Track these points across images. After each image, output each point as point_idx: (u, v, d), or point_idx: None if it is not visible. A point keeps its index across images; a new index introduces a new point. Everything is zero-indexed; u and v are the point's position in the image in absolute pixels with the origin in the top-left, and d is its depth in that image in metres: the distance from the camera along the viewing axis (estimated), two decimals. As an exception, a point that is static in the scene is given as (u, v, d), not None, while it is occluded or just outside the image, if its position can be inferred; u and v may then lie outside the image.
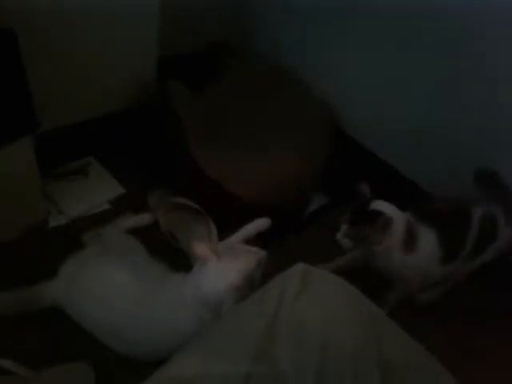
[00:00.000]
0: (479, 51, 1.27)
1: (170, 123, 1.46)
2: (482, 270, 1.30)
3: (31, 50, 1.04)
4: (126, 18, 1.34)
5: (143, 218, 1.37)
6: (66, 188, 1.43)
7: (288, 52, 1.75)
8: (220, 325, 0.89)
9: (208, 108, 1.57)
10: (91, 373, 1.02)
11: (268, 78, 1.67)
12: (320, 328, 0.85)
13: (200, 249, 1.02)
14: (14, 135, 1.10)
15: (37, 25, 1.16)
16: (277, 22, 1.75)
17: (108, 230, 1.30)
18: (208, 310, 0.98)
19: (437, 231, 1.16)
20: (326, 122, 1.63)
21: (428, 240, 1.16)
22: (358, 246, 1.17)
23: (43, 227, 1.35)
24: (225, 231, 1.28)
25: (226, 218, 1.33)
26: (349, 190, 1.19)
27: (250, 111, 1.57)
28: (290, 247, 1.45)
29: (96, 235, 1.29)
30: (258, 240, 1.23)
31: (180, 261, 1.26)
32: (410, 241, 1.14)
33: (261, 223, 1.20)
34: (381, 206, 1.12)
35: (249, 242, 1.20)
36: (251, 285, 0.96)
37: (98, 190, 1.46)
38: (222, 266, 1.00)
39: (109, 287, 1.07)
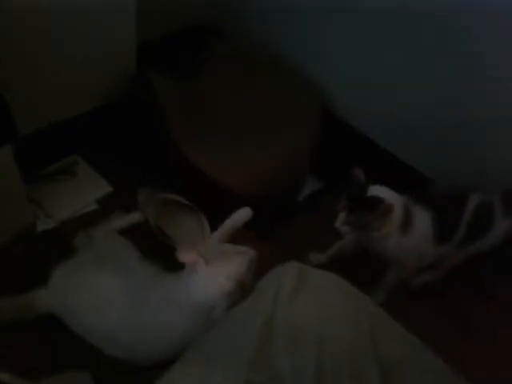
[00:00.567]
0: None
1: (153, 115, 1.42)
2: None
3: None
4: (102, 7, 1.27)
5: (134, 217, 1.34)
6: (53, 190, 1.40)
7: (278, 37, 1.67)
8: (216, 331, 0.88)
9: (193, 97, 1.52)
10: (90, 380, 1.02)
11: (256, 64, 1.62)
12: (317, 326, 0.85)
13: (185, 256, 1.00)
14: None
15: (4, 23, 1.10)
16: (267, 6, 1.67)
17: (98, 231, 1.27)
18: (201, 314, 0.96)
19: (432, 212, 1.16)
20: (315, 107, 1.59)
21: (423, 220, 1.16)
22: (357, 232, 1.16)
23: (32, 232, 1.33)
24: (218, 225, 1.26)
25: (217, 210, 1.32)
26: (342, 174, 1.17)
27: (238, 99, 1.53)
28: (283, 235, 1.44)
29: (86, 237, 1.27)
30: (249, 231, 1.21)
31: (172, 258, 1.24)
32: (406, 223, 1.14)
33: (242, 215, 1.15)
34: (379, 191, 1.11)
35: (241, 233, 1.17)
36: (243, 287, 0.94)
37: (85, 189, 1.43)
38: (211, 270, 0.98)
39: (102, 295, 1.05)
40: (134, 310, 1.03)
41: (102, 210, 1.41)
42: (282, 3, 1.62)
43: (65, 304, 1.08)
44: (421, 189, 1.33)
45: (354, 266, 1.34)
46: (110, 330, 1.03)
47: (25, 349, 1.09)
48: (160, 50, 1.56)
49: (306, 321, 0.85)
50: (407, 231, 1.15)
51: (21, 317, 1.10)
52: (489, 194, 1.23)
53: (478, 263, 1.31)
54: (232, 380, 0.78)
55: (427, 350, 0.88)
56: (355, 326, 0.86)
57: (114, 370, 1.06)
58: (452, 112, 1.37)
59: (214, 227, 1.29)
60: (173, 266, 1.12)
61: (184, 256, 0.99)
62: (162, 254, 1.21)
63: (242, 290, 0.93)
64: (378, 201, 1.08)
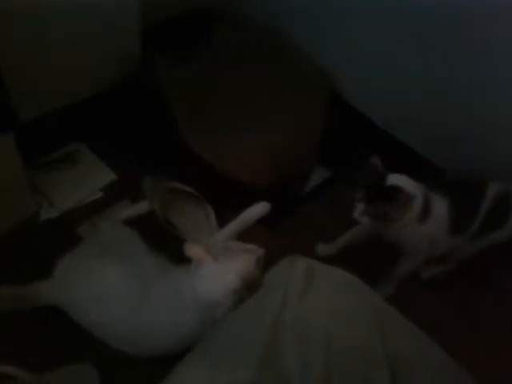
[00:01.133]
0: None
1: (157, 100, 1.39)
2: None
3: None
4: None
5: (142, 207, 1.30)
6: (56, 179, 1.37)
7: (285, 22, 1.62)
8: (223, 330, 0.86)
9: (197, 81, 1.48)
10: (95, 373, 1.01)
11: (262, 49, 1.57)
12: (326, 323, 0.84)
13: (192, 250, 0.97)
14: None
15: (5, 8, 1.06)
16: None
17: (104, 221, 1.24)
18: (207, 310, 0.94)
19: (449, 200, 1.13)
20: (323, 92, 1.55)
21: (440, 207, 1.13)
22: (376, 223, 1.12)
23: (35, 221, 1.30)
24: (224, 213, 1.23)
25: (223, 200, 1.29)
26: (351, 162, 1.14)
27: (244, 85, 1.48)
28: (291, 227, 1.42)
29: (91, 227, 1.25)
30: (259, 226, 1.18)
31: (179, 249, 1.22)
32: (425, 211, 1.11)
33: (259, 209, 1.12)
34: (398, 180, 1.07)
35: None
36: (249, 285, 0.91)
37: (88, 177, 1.39)
38: (218, 267, 0.95)
39: (106, 288, 1.03)
40: (139, 304, 1.01)
41: (107, 198, 1.38)
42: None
43: (69, 296, 1.06)
44: (432, 177, 1.30)
45: (363, 256, 1.33)
46: (115, 324, 1.02)
47: (30, 342, 1.08)
48: (164, 34, 1.52)
49: (315, 319, 0.84)
50: (426, 219, 1.11)
51: (21, 307, 1.08)
52: (506, 184, 1.19)
53: (488, 256, 1.28)
54: (239, 380, 0.76)
55: (433, 344, 0.87)
56: (364, 323, 0.86)
57: (120, 364, 1.05)
58: (464, 98, 1.33)
59: (219, 216, 1.27)
60: (180, 257, 1.10)
61: (192, 251, 0.97)
62: (168, 244, 1.19)
63: (249, 289, 0.90)
64: (397, 190, 1.04)
